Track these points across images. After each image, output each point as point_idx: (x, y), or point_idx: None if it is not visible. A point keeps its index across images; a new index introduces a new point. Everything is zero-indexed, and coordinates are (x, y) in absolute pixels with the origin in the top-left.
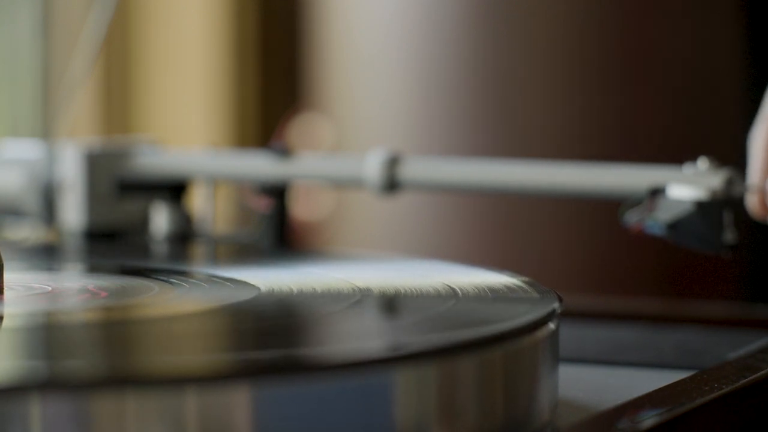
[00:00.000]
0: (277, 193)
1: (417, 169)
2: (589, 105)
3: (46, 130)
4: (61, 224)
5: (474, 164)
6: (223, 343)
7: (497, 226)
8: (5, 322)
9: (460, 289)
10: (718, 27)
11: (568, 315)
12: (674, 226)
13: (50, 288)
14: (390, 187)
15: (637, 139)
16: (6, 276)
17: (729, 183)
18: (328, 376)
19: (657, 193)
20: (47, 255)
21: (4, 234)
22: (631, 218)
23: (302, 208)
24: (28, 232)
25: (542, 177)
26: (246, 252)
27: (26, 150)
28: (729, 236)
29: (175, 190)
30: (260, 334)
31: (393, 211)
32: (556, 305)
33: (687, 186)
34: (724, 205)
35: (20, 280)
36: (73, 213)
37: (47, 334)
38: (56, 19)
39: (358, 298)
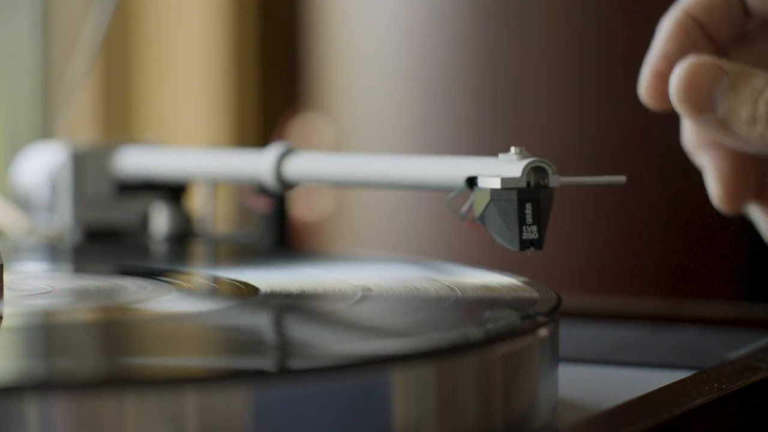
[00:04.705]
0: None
1: (298, 164)
2: (588, 106)
3: (46, 130)
4: (60, 224)
5: (354, 158)
6: (222, 343)
7: None
8: (4, 322)
9: (460, 289)
10: None
11: (567, 315)
12: (482, 216)
13: (49, 288)
14: (282, 183)
15: (637, 139)
16: (5, 276)
17: (534, 174)
18: (327, 376)
19: (472, 183)
20: (47, 255)
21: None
22: (462, 209)
23: (302, 208)
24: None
25: (396, 169)
26: (246, 252)
27: (51, 152)
28: (530, 231)
29: (174, 189)
30: (259, 334)
31: (393, 211)
32: (555, 305)
33: (492, 175)
34: (527, 197)
35: (20, 280)
36: (65, 212)
37: (46, 334)
38: (56, 19)
39: (358, 298)
